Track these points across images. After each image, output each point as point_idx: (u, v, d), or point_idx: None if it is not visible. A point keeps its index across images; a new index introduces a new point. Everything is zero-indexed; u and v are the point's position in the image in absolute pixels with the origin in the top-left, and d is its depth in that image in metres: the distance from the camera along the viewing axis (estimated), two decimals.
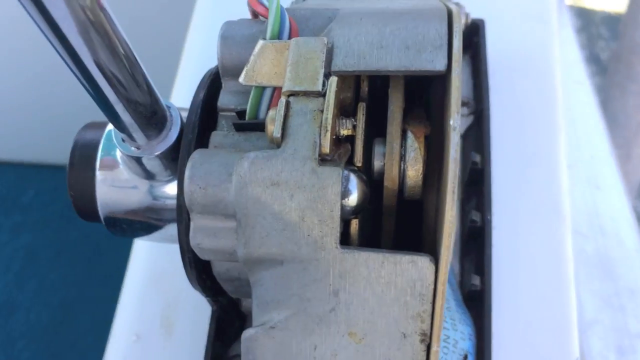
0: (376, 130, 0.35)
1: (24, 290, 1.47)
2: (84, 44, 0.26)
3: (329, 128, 0.30)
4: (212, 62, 0.42)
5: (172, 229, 0.38)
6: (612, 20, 2.20)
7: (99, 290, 1.45)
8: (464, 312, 0.42)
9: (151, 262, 0.50)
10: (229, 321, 0.43)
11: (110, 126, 0.38)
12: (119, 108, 0.31)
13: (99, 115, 0.41)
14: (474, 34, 0.52)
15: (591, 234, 0.58)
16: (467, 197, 0.48)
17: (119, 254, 1.47)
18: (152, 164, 0.35)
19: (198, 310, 0.48)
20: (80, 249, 1.51)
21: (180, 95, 0.58)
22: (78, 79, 0.28)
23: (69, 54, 0.26)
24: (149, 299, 0.49)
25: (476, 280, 0.43)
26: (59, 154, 1.53)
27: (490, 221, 0.44)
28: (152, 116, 0.33)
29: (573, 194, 0.50)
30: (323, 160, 0.30)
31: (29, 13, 0.24)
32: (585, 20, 2.23)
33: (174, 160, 0.36)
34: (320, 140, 0.30)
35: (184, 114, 0.37)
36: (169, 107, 0.36)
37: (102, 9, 0.26)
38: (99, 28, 0.26)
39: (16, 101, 1.43)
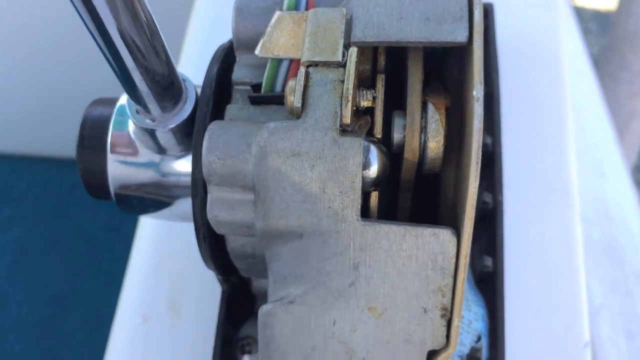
0: (394, 104, 0.34)
1: (15, 283, 1.46)
2: (108, 10, 0.26)
3: (350, 98, 0.30)
4: (218, 37, 0.42)
5: (182, 206, 0.38)
6: (601, 16, 2.23)
7: (91, 284, 1.43)
8: (476, 293, 0.42)
9: (157, 243, 0.50)
10: (238, 302, 0.43)
11: (121, 101, 0.38)
12: (137, 76, 0.30)
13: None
14: (484, 17, 0.52)
15: (597, 221, 0.58)
16: None
17: (111, 247, 1.47)
18: (166, 137, 0.35)
19: (205, 292, 0.47)
20: (72, 243, 1.49)
21: (187, 71, 0.57)
22: (99, 45, 0.28)
23: (93, 19, 0.26)
24: (155, 281, 0.48)
25: (488, 262, 0.42)
26: (52, 146, 1.53)
27: (501, 202, 0.43)
28: (169, 87, 0.33)
29: (579, 179, 0.50)
30: (344, 131, 0.30)
31: None
32: (575, 15, 2.24)
33: (187, 135, 0.35)
34: (341, 110, 0.30)
35: (198, 90, 0.36)
36: (184, 80, 0.35)
37: None
38: None
39: (7, 93, 1.41)
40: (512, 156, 0.50)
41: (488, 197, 0.43)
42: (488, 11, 0.52)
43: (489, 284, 0.42)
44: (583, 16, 2.26)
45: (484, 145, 0.45)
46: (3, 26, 1.24)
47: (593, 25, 2.23)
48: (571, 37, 0.76)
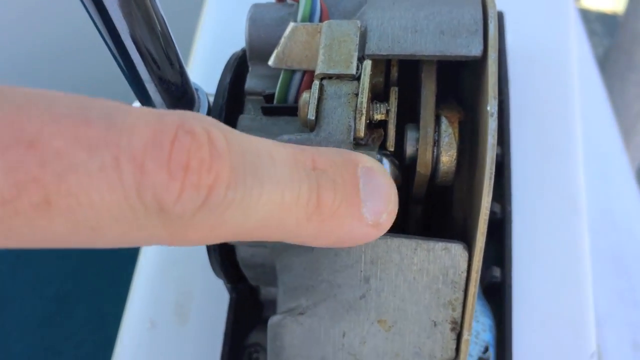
0: (406, 117, 0.34)
1: (18, 282, 1.46)
2: (123, 18, 0.26)
3: (364, 112, 0.30)
4: (228, 44, 0.42)
5: None
6: (606, 17, 2.23)
7: (94, 282, 1.44)
8: (484, 304, 0.42)
9: (164, 248, 0.50)
10: (246, 310, 0.43)
11: None
12: (151, 87, 0.30)
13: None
14: None
15: (604, 230, 0.58)
16: None
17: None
18: None
19: (213, 298, 0.47)
20: None
21: (196, 77, 0.57)
22: (113, 54, 0.28)
23: (108, 28, 0.26)
24: (162, 286, 0.48)
25: (496, 272, 0.42)
26: None
27: (510, 213, 0.43)
28: (182, 96, 0.33)
29: (586, 189, 0.50)
30: (357, 144, 0.30)
31: None
32: (580, 17, 2.25)
33: None
34: (355, 124, 0.30)
35: (210, 99, 0.36)
36: (197, 90, 0.35)
37: None
38: (139, 3, 0.26)
39: None
40: (520, 165, 0.50)
41: (497, 207, 0.43)
42: (498, 20, 0.52)
43: (496, 294, 0.42)
44: (588, 17, 2.27)
45: None
46: (5, 26, 1.24)
47: (598, 27, 2.23)
48: (579, 43, 0.76)
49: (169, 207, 0.18)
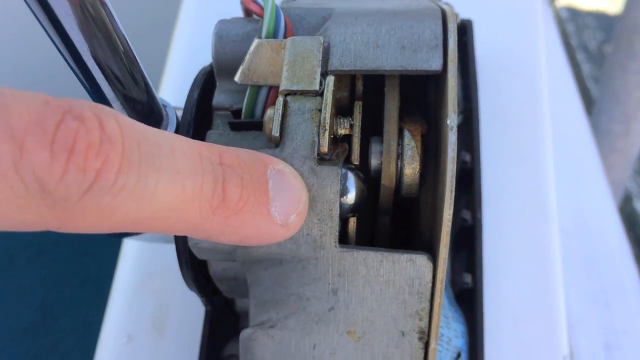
0: (371, 128, 0.35)
1: (2, 292, 1.45)
2: (84, 40, 0.26)
3: (328, 127, 0.30)
4: (200, 59, 0.42)
5: None
6: (598, 12, 2.27)
7: (79, 291, 1.43)
8: (456, 310, 0.43)
9: (141, 262, 0.50)
10: (222, 321, 0.43)
11: None
12: (117, 106, 0.30)
13: None
14: (463, 34, 0.53)
15: (576, 232, 0.59)
16: (457, 196, 0.48)
17: (99, 255, 1.47)
18: None
19: (190, 311, 0.47)
20: (59, 250, 1.49)
21: (169, 93, 0.58)
22: (76, 74, 0.28)
23: (69, 50, 0.26)
24: (139, 300, 0.48)
25: (468, 278, 0.43)
26: None
27: (480, 220, 0.44)
28: (149, 115, 0.33)
29: (558, 192, 0.51)
30: (321, 159, 0.31)
31: (29, 6, 0.24)
32: (573, 12, 2.29)
33: None
34: (318, 139, 0.30)
35: (179, 113, 0.36)
36: (165, 106, 0.35)
37: (103, 4, 0.26)
38: (99, 24, 0.26)
39: None
40: (490, 171, 0.51)
41: (467, 215, 0.44)
42: (467, 27, 0.53)
43: (468, 301, 0.43)
44: (580, 12, 2.30)
45: (463, 163, 0.46)
46: (5, 32, 1.23)
47: (590, 20, 2.26)
48: (551, 45, 0.77)
49: (51, 188, 0.18)
